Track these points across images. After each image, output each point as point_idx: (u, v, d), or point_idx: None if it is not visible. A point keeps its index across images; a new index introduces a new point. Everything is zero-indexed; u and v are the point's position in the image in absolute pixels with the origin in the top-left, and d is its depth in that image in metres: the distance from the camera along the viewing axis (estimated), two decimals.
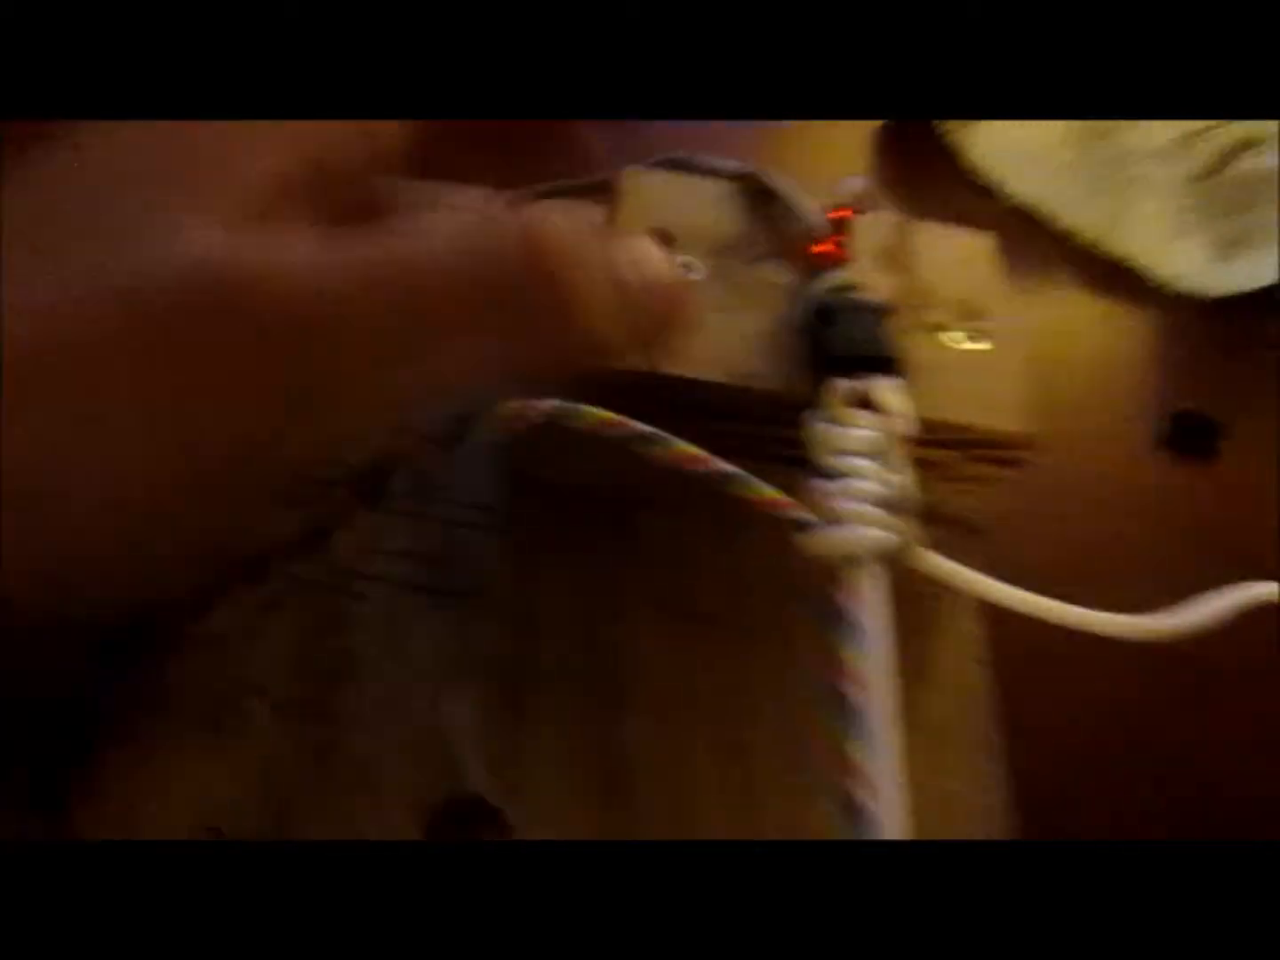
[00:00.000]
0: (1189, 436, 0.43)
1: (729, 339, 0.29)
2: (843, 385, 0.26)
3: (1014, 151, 0.51)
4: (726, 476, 0.24)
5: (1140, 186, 0.50)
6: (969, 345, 0.30)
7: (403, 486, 0.30)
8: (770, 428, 0.28)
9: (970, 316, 0.31)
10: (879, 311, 0.28)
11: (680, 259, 0.30)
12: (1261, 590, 0.29)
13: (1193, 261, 0.49)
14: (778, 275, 0.31)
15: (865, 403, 0.27)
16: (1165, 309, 0.49)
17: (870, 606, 0.23)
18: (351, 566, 0.28)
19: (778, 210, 0.32)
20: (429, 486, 0.30)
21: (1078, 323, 0.48)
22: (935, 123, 0.52)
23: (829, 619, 0.23)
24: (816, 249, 0.31)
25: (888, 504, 0.24)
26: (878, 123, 0.53)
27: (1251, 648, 0.33)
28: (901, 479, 0.25)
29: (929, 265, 0.32)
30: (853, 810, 0.20)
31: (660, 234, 0.31)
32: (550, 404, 0.23)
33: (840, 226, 0.31)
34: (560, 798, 0.25)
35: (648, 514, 0.30)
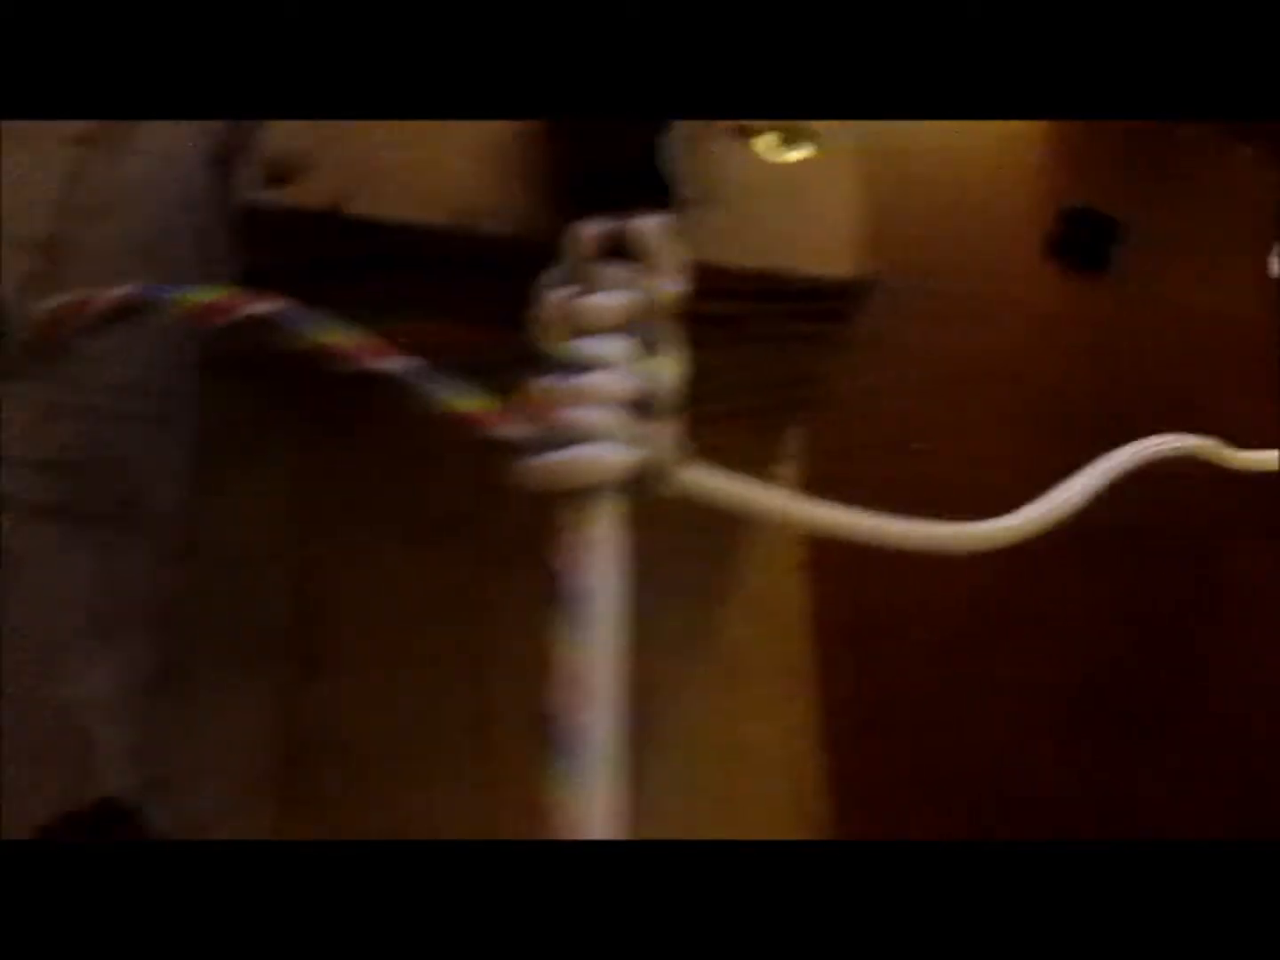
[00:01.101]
0: (1081, 241, 0.36)
1: (449, 156, 0.21)
2: (585, 229, 0.19)
3: None
4: (405, 378, 0.17)
5: None
6: (786, 154, 0.23)
7: (35, 367, 0.23)
8: (506, 282, 0.20)
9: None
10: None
11: None
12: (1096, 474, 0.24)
13: None
14: None
15: (619, 249, 0.19)
16: None
17: (599, 562, 0.16)
18: None
19: None
20: (69, 365, 0.23)
21: None
22: None
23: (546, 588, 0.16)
24: None
25: (638, 405, 0.18)
26: None
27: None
28: (659, 363, 0.18)
29: None
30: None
31: None
32: (118, 294, 0.16)
33: None
34: (227, 785, 0.19)
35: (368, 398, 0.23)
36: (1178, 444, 0.29)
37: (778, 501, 0.19)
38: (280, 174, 0.20)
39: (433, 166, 0.20)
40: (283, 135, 0.20)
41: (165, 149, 0.26)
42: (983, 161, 0.38)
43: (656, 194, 0.20)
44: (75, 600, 0.21)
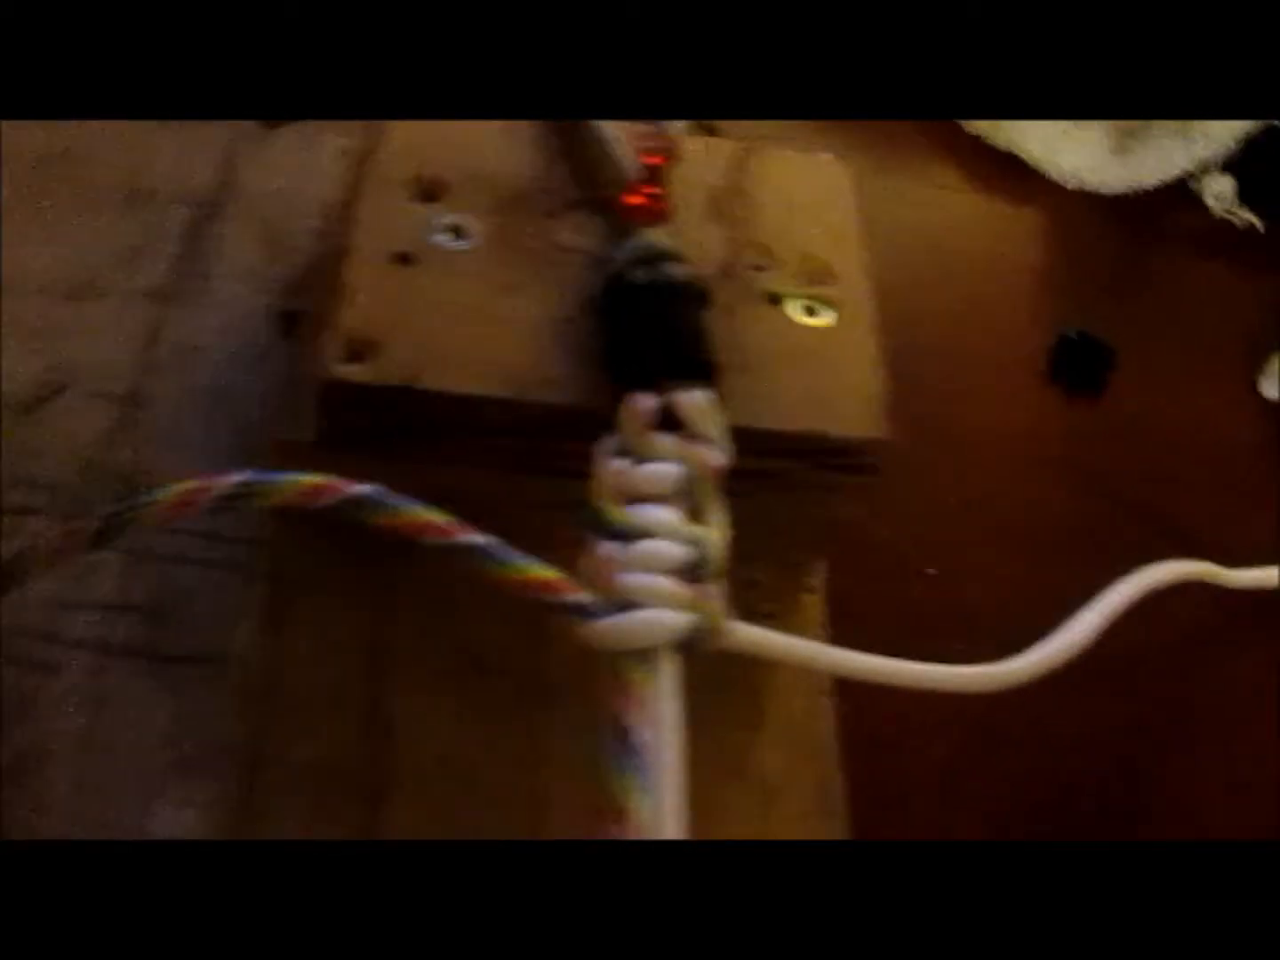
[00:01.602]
0: (1076, 366, 0.38)
1: (508, 332, 0.23)
2: (638, 403, 0.21)
3: None
4: (473, 551, 0.18)
5: None
6: (809, 320, 0.25)
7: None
8: (567, 444, 0.22)
9: (813, 279, 0.25)
10: (690, 292, 0.23)
11: (447, 219, 0.24)
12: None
13: (1090, 154, 0.43)
14: (579, 237, 0.25)
15: (669, 421, 0.21)
16: (1062, 209, 0.43)
17: (662, 719, 0.18)
18: (40, 626, 0.22)
19: (589, 155, 0.26)
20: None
21: (964, 228, 0.43)
22: None
23: (608, 743, 0.18)
24: (626, 201, 0.24)
25: (690, 571, 0.19)
26: None
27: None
28: (708, 532, 0.20)
29: (771, 210, 0.26)
30: None
31: (428, 182, 0.24)
32: (230, 481, 0.18)
33: (655, 173, 0.24)
34: None
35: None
36: (1181, 569, 0.31)
37: (810, 651, 0.20)
38: (358, 349, 0.22)
39: (491, 342, 0.22)
40: (360, 313, 0.22)
41: (232, 304, 0.28)
42: (982, 293, 0.40)
43: (700, 366, 0.22)
44: (160, 741, 0.22)
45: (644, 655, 0.19)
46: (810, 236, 0.26)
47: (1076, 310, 0.40)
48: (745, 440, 0.23)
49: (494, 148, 0.25)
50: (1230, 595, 0.33)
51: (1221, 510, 0.37)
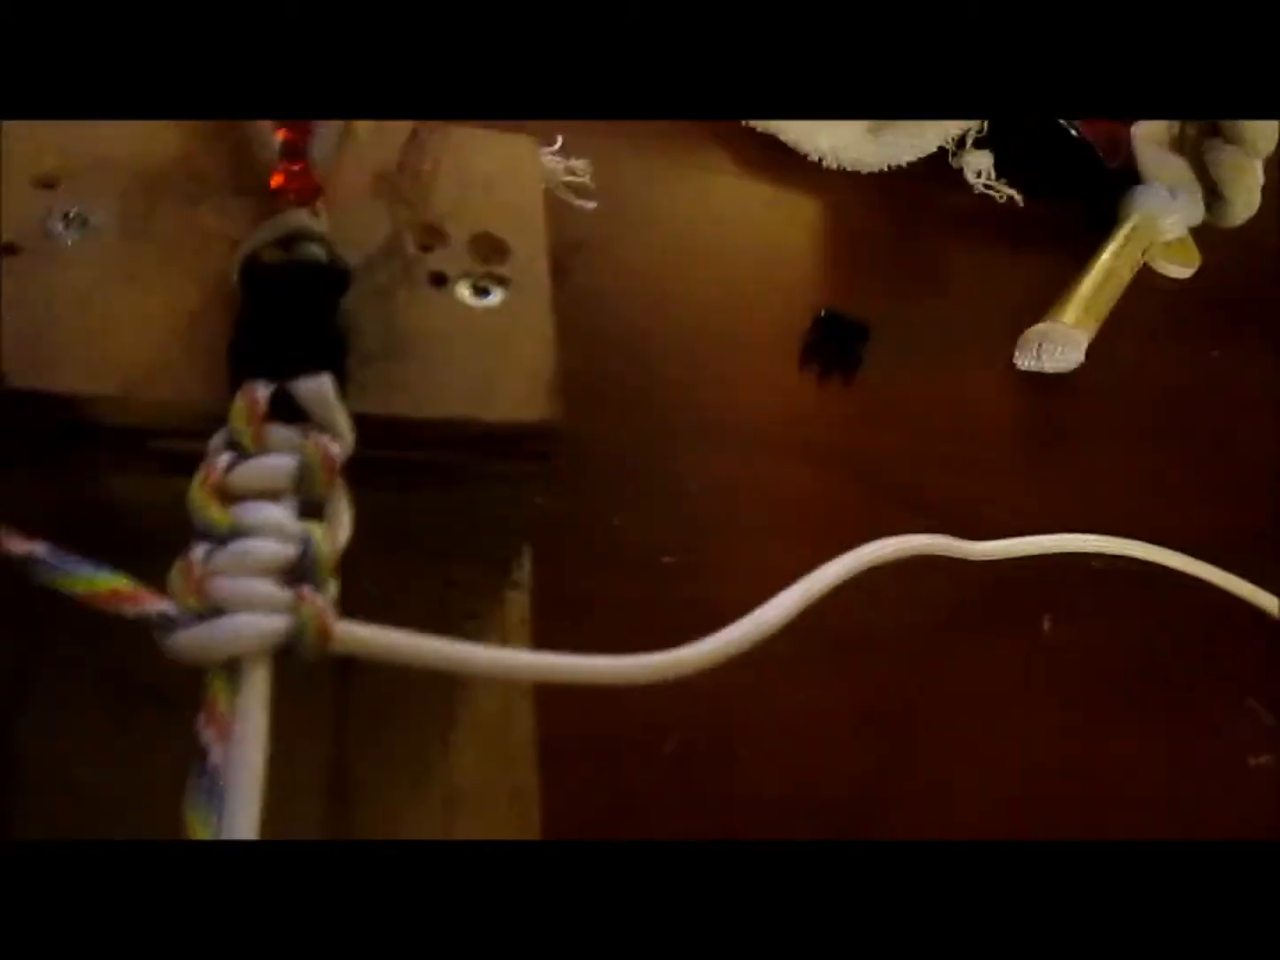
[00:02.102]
0: (829, 347, 0.38)
1: (125, 325, 0.21)
2: (251, 392, 0.19)
3: None
4: (36, 565, 0.17)
5: None
6: (480, 301, 0.23)
7: None
8: (191, 443, 0.21)
9: (486, 258, 0.24)
10: (327, 274, 0.21)
11: (65, 206, 0.22)
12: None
13: (846, 133, 0.43)
14: (223, 222, 0.23)
15: (292, 414, 0.20)
16: (823, 191, 0.43)
17: (243, 736, 0.16)
18: None
19: (234, 136, 0.24)
20: None
21: (726, 213, 0.42)
22: None
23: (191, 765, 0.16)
24: (270, 180, 0.23)
25: (292, 570, 0.18)
26: None
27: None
28: (314, 528, 0.18)
29: (446, 187, 0.25)
30: None
31: (50, 168, 0.22)
32: None
33: (296, 149, 0.23)
34: None
35: None
36: (914, 542, 0.30)
37: (435, 651, 0.19)
38: None
39: (103, 337, 0.20)
40: None
41: None
42: (741, 277, 0.40)
43: (323, 352, 0.20)
44: None
45: (235, 667, 0.17)
46: (487, 214, 0.25)
47: (837, 292, 0.40)
48: (404, 431, 0.22)
49: (129, 132, 0.24)
50: (978, 571, 0.33)
51: (977, 486, 0.37)
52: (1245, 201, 0.45)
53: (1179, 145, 0.47)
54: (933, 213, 0.45)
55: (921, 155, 0.43)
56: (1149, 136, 0.47)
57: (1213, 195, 0.46)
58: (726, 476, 0.34)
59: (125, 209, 0.22)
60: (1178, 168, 0.46)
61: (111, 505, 0.22)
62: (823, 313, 0.38)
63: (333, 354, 0.20)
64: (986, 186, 0.45)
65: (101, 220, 0.22)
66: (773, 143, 0.44)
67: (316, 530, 0.18)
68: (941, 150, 0.45)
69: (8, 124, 0.23)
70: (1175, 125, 0.47)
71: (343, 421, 0.19)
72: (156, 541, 0.17)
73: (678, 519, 0.32)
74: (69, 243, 0.22)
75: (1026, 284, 0.43)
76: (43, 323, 0.20)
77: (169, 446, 0.21)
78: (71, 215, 0.22)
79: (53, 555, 0.17)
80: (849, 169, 0.43)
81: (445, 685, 0.24)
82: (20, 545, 0.16)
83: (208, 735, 0.16)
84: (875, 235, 0.43)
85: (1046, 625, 0.34)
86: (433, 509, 0.24)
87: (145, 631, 0.20)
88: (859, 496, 0.35)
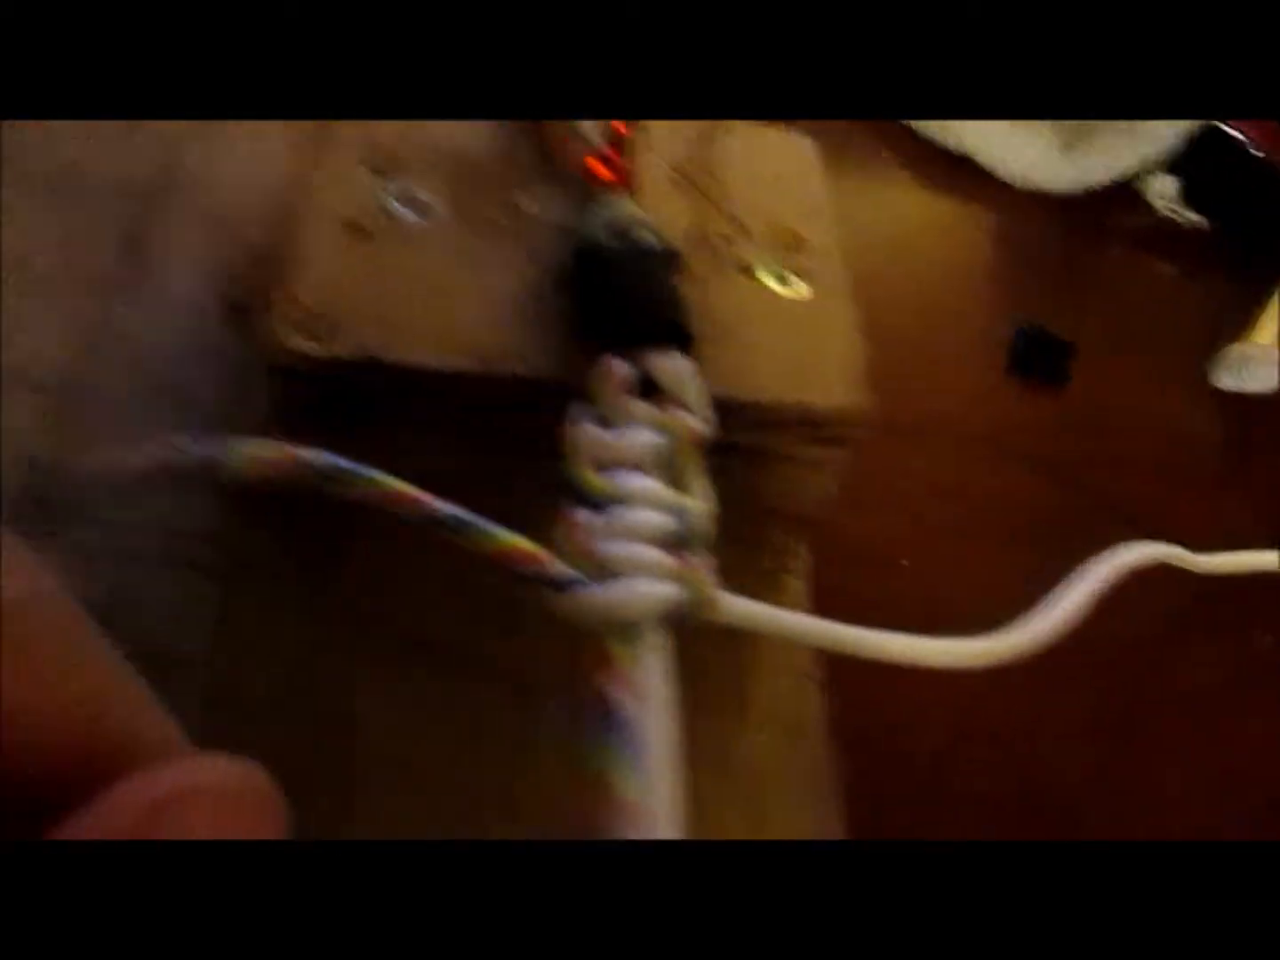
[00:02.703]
0: (1035, 359, 0.38)
1: (472, 304, 0.21)
2: (614, 367, 0.20)
3: None
4: (447, 522, 0.17)
5: None
6: (784, 290, 0.24)
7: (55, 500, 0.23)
8: (536, 417, 0.21)
9: (787, 247, 0.25)
10: (664, 259, 0.22)
11: (404, 190, 0.23)
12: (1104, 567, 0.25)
13: (1038, 154, 0.43)
14: (544, 207, 0.24)
15: (646, 388, 0.20)
16: (1013, 209, 0.44)
17: (650, 694, 0.17)
18: None
19: (552, 125, 0.25)
20: (92, 503, 0.23)
21: (918, 228, 0.43)
22: None
23: (588, 720, 0.17)
24: (592, 169, 0.24)
25: (674, 540, 0.18)
26: None
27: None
28: (693, 501, 0.19)
29: (739, 182, 0.26)
30: None
31: (384, 154, 0.23)
32: (197, 452, 0.16)
33: (621, 141, 0.24)
34: None
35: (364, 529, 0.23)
36: (1152, 552, 0.30)
37: (803, 625, 0.19)
38: (314, 324, 0.20)
39: (454, 315, 0.21)
40: (315, 286, 0.21)
41: (178, 295, 0.27)
42: (937, 290, 0.40)
43: (678, 332, 0.21)
44: None
45: (629, 629, 0.17)
46: (780, 208, 0.25)
47: (1028, 306, 0.40)
48: (724, 412, 0.22)
49: (448, 122, 0.24)
50: (1195, 581, 0.33)
51: (1180, 497, 0.37)
52: None
53: None
54: (1119, 234, 0.45)
55: (1115, 177, 0.44)
56: None
57: None
58: (948, 482, 0.34)
59: (454, 194, 0.23)
60: None
61: (440, 477, 0.22)
62: (1028, 328, 0.38)
63: (683, 334, 0.21)
64: (1170, 210, 0.45)
65: (434, 204, 0.23)
66: (960, 161, 0.44)
67: (691, 502, 0.19)
68: (1128, 173, 0.45)
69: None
70: None
71: (701, 400, 0.20)
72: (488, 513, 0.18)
73: (908, 522, 0.32)
74: (410, 225, 0.22)
75: (1215, 305, 0.43)
76: (399, 301, 0.21)
77: (509, 421, 0.21)
78: (411, 199, 0.23)
79: (467, 515, 0.17)
80: (1041, 189, 0.43)
81: (736, 670, 0.24)
82: (444, 508, 0.17)
83: (615, 692, 0.17)
84: (1064, 254, 0.43)
85: (1263, 637, 0.33)
86: (732, 491, 0.24)
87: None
88: (1071, 503, 0.35)
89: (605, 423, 0.20)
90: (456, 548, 0.17)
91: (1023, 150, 0.43)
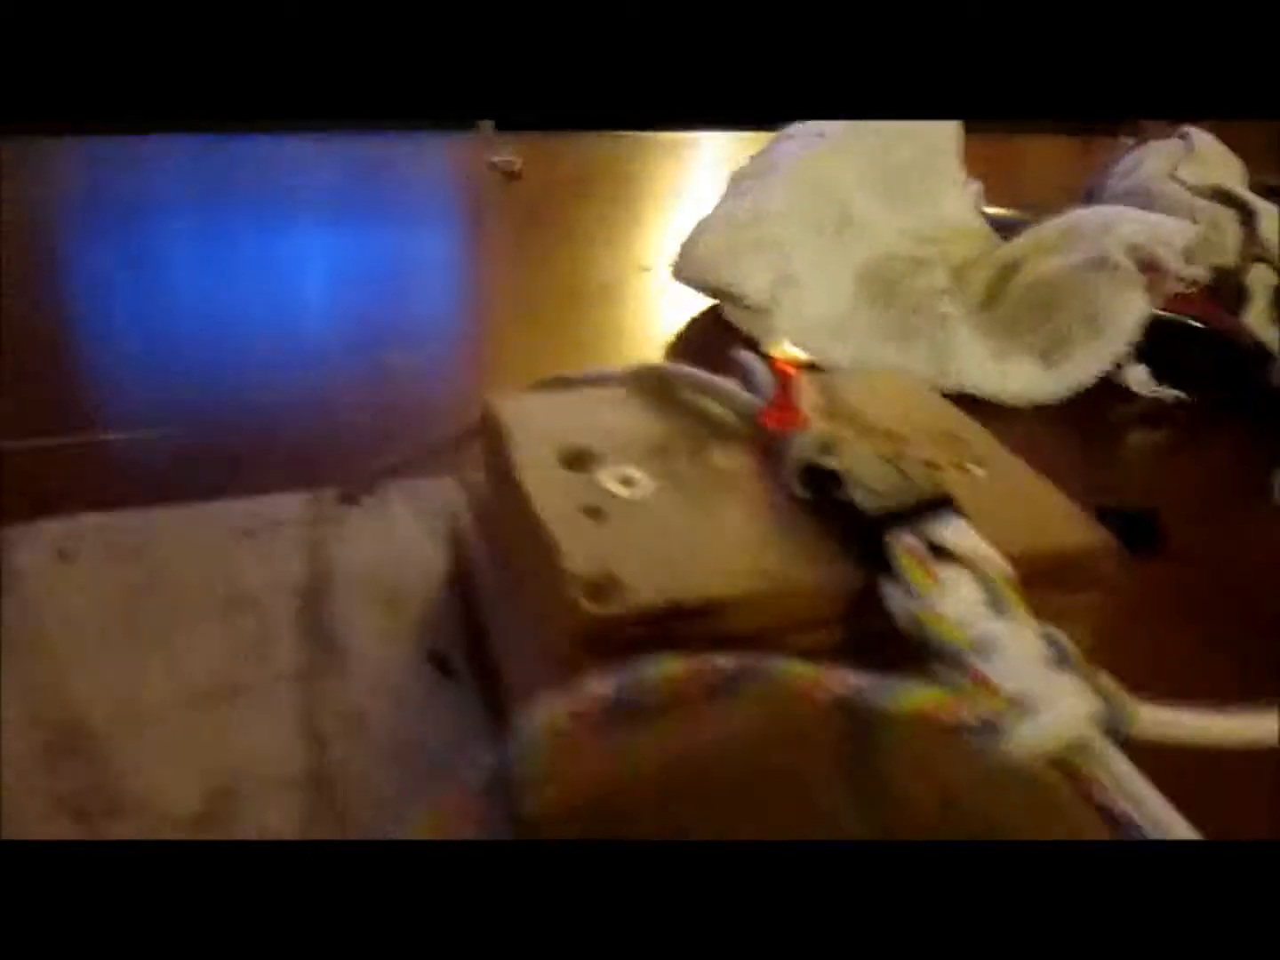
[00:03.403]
0: (1130, 533, 0.39)
1: (724, 541, 0.22)
2: (907, 542, 0.20)
3: (816, 324, 0.49)
4: (867, 694, 0.16)
5: (946, 324, 0.49)
6: (977, 473, 0.25)
7: None
8: (818, 631, 0.21)
9: (949, 446, 0.26)
10: (887, 459, 0.23)
11: (619, 473, 0.24)
12: None
13: (1027, 375, 0.48)
14: (731, 461, 0.25)
15: (935, 555, 0.20)
16: (1029, 424, 0.47)
17: (1144, 792, 0.16)
18: None
19: (691, 400, 0.27)
20: None
21: None
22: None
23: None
24: (774, 417, 0.25)
25: (1058, 662, 0.18)
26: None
27: None
28: (1049, 627, 0.19)
29: (878, 410, 0.28)
30: None
31: (578, 454, 0.24)
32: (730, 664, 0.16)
33: (787, 385, 0.25)
34: None
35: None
36: None
37: (1220, 726, 0.18)
38: (598, 588, 0.20)
39: (717, 551, 0.21)
40: (581, 556, 0.21)
41: (376, 665, 0.26)
42: None
43: (938, 506, 0.21)
44: None
45: (1078, 748, 0.16)
46: (919, 418, 0.27)
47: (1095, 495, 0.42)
48: None
49: (614, 412, 0.26)
50: None
51: None
52: None
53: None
54: (1122, 422, 0.48)
55: (1095, 376, 0.48)
56: (1258, 321, 0.52)
57: None
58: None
59: (655, 469, 0.24)
60: None
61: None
62: (1105, 508, 0.40)
63: (949, 501, 0.21)
64: (1153, 393, 0.49)
65: (642, 479, 0.24)
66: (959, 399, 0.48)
67: (1049, 627, 0.19)
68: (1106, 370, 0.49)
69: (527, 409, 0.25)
70: (1273, 311, 0.53)
71: (992, 548, 0.20)
72: None
73: None
74: (635, 498, 0.23)
75: (1232, 453, 0.46)
76: (664, 553, 0.21)
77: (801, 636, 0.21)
78: (625, 478, 0.24)
79: (883, 679, 0.17)
80: (1038, 403, 0.47)
81: None
82: (855, 678, 0.16)
83: (1115, 805, 0.15)
84: (1087, 445, 0.46)
85: None
86: None
87: None
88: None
89: (920, 590, 0.20)
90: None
91: (1014, 375, 0.47)
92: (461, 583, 0.27)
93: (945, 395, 0.44)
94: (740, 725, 0.19)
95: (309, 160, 0.80)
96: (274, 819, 0.22)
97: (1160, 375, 0.50)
